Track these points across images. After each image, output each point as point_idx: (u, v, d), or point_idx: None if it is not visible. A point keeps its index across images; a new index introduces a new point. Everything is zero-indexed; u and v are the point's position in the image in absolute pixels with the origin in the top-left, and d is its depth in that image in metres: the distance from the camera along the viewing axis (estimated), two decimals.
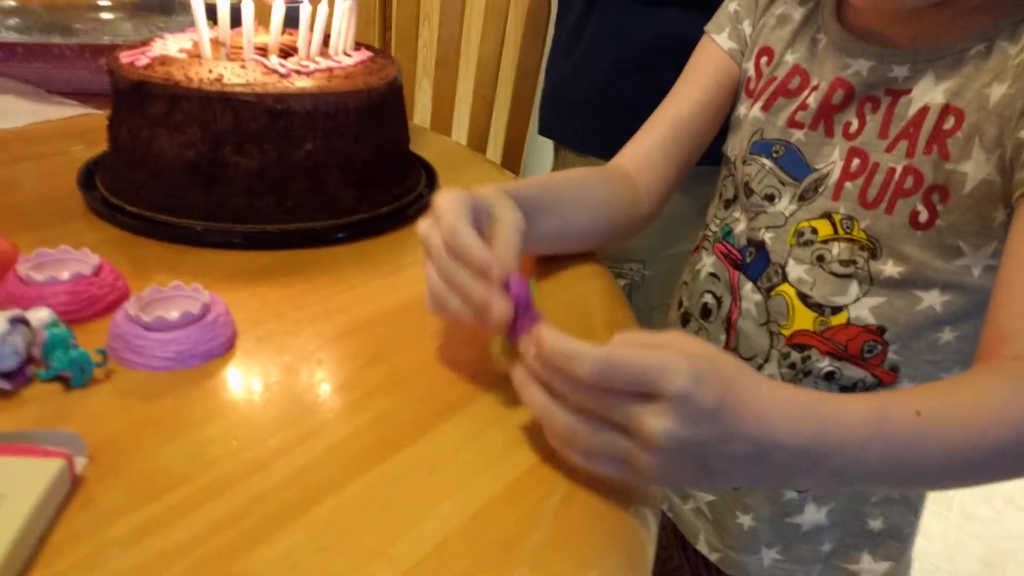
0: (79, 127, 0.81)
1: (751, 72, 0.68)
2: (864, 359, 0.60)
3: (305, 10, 0.62)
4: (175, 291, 0.48)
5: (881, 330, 0.59)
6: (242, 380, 0.45)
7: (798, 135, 0.62)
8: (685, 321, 0.75)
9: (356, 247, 0.62)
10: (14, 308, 0.45)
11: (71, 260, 0.50)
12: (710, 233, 0.72)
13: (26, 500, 0.32)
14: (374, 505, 0.37)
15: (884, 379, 0.60)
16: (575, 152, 1.03)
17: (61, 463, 0.34)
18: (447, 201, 0.46)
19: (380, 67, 0.66)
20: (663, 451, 0.36)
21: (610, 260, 0.99)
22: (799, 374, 0.63)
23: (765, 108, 0.65)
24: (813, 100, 0.61)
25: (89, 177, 0.66)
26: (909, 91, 0.56)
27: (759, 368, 0.66)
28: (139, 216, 0.60)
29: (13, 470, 0.33)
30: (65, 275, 0.48)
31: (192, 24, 0.86)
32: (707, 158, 0.74)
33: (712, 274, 0.71)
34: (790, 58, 0.65)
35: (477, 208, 0.47)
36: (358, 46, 0.70)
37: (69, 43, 0.86)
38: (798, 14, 0.66)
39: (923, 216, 0.55)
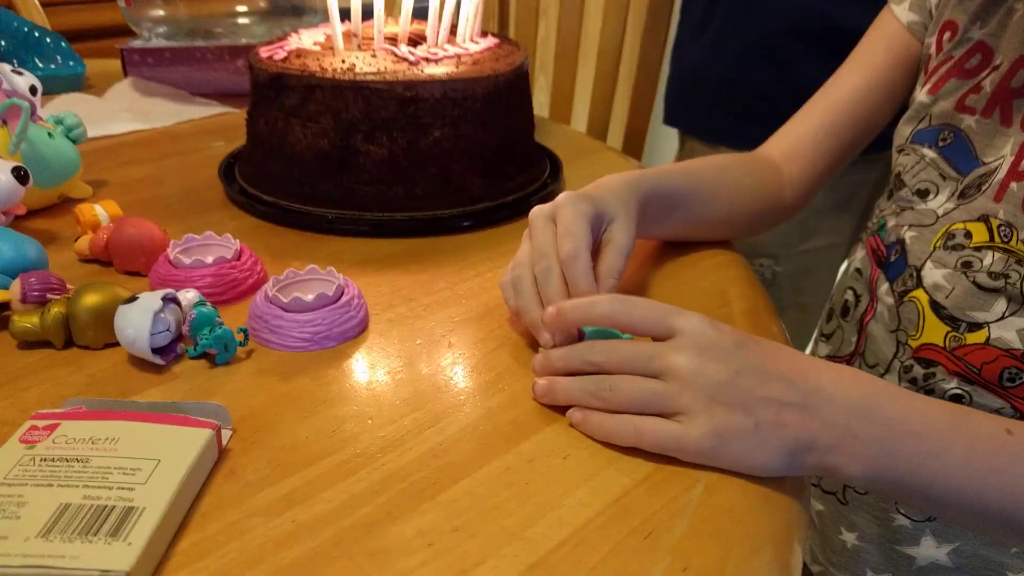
0: (219, 125, 0.85)
1: (932, 50, 0.60)
2: (1004, 387, 0.52)
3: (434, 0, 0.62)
4: (310, 274, 0.49)
5: None
6: (376, 361, 0.45)
7: (968, 121, 0.55)
8: (829, 317, 0.70)
9: (482, 235, 0.62)
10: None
11: (215, 245, 0.52)
12: (870, 224, 0.67)
13: (180, 465, 0.33)
14: (510, 488, 0.36)
15: None
16: (702, 142, 1.00)
17: (210, 432, 0.35)
18: (571, 215, 0.45)
19: (507, 53, 0.66)
20: (697, 387, 0.37)
21: (743, 255, 0.95)
22: (920, 391, 0.56)
23: (933, 91, 0.58)
24: (989, 82, 0.54)
25: (229, 170, 0.69)
26: None
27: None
28: (274, 205, 0.62)
29: (168, 437, 0.34)
30: (210, 259, 0.50)
31: (324, 21, 0.89)
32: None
33: (858, 269, 0.66)
34: (975, 33, 0.56)
35: (597, 218, 0.46)
36: (484, 33, 0.70)
37: (210, 46, 0.91)
38: None
39: None
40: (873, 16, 0.66)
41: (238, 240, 0.52)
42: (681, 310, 0.39)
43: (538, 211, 0.46)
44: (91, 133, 0.65)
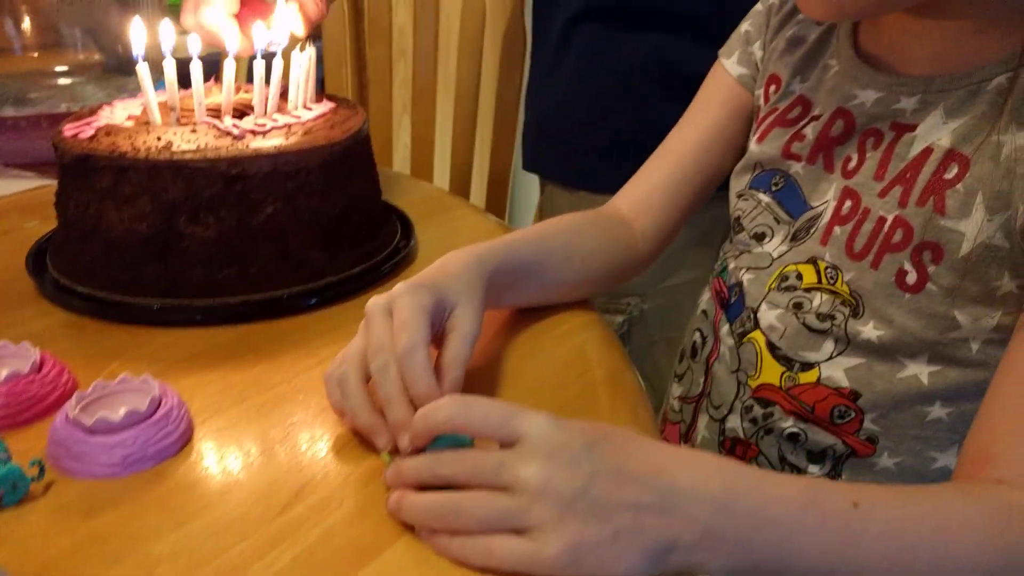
0: (34, 201, 0.77)
1: (760, 101, 0.63)
2: (835, 424, 0.54)
3: (258, 65, 0.59)
4: (122, 385, 0.44)
5: (855, 395, 0.52)
6: (198, 481, 0.41)
7: (796, 167, 0.57)
8: (681, 357, 0.71)
9: (327, 313, 0.58)
10: None
11: (7, 356, 0.46)
12: (715, 266, 0.68)
13: None
14: None
15: (860, 450, 0.53)
16: (562, 187, 1.00)
17: None
18: (407, 307, 0.43)
19: (343, 119, 0.63)
20: (547, 499, 0.34)
21: (607, 296, 0.95)
22: (760, 431, 0.58)
23: (760, 139, 0.60)
24: (811, 131, 0.56)
25: (39, 257, 0.62)
26: (914, 127, 0.50)
27: (722, 419, 0.61)
28: (91, 297, 0.56)
29: None
30: (1, 375, 0.44)
31: (158, 86, 0.83)
32: None
33: (704, 311, 0.67)
34: (796, 87, 0.59)
35: (439, 306, 0.45)
36: (320, 96, 0.67)
37: (24, 115, 0.83)
38: (812, 35, 0.59)
39: (911, 277, 0.48)
40: (711, 62, 0.68)
41: (37, 348, 0.46)
42: (525, 410, 0.37)
43: (374, 303, 0.44)
44: None
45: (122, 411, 0.41)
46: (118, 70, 0.97)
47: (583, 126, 0.93)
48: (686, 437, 0.68)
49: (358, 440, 0.44)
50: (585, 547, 0.34)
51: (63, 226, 0.60)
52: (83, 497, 0.39)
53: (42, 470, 0.39)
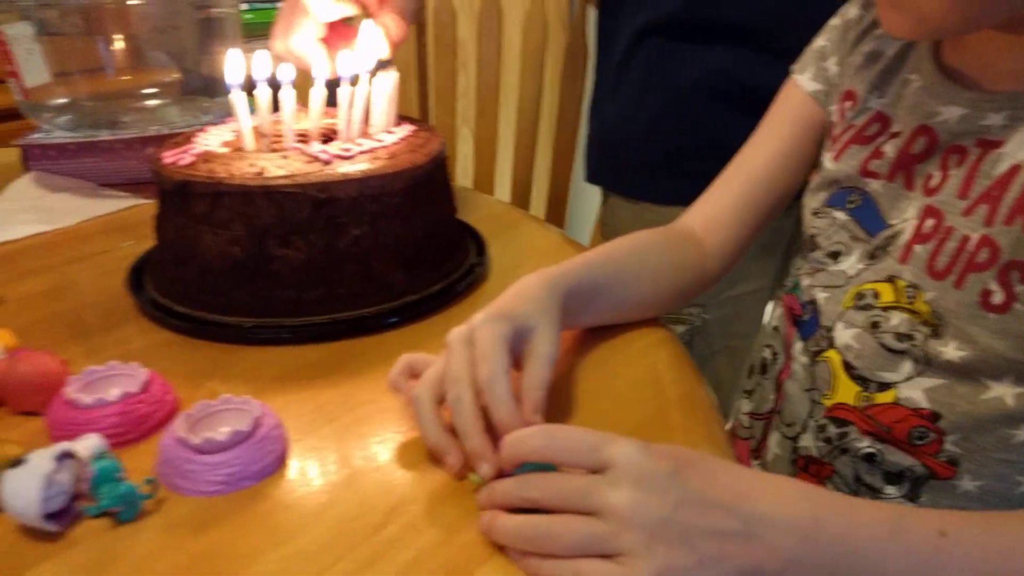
0: (129, 220, 0.81)
1: (835, 117, 0.62)
2: (913, 445, 0.53)
3: (344, 91, 0.61)
4: (224, 404, 0.46)
5: (935, 416, 0.51)
6: (297, 500, 0.42)
7: (874, 185, 0.56)
8: (750, 373, 0.71)
9: (408, 331, 0.60)
10: (61, 434, 0.44)
11: (119, 376, 0.49)
12: (786, 282, 0.68)
13: None
14: None
15: (940, 472, 0.52)
16: (624, 198, 1.00)
17: None
18: (487, 337, 0.44)
19: (423, 142, 0.64)
20: (636, 526, 0.35)
21: (670, 332, 0.95)
22: (835, 451, 0.57)
23: (837, 157, 0.60)
24: (890, 148, 0.55)
25: (138, 276, 0.66)
26: (1001, 144, 0.49)
27: (795, 437, 0.61)
28: (188, 317, 0.59)
29: None
30: (113, 394, 0.46)
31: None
32: None
33: (775, 327, 0.67)
34: (873, 103, 0.58)
35: (517, 333, 0.46)
36: (400, 120, 0.69)
37: (118, 138, 0.87)
38: (891, 50, 0.58)
39: (997, 296, 0.47)
40: (775, 75, 0.68)
41: (146, 368, 0.49)
42: (613, 437, 0.38)
43: (455, 333, 0.45)
44: None
45: (226, 431, 0.43)
46: (196, 91, 1.01)
47: (647, 138, 0.94)
48: (756, 454, 0.68)
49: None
50: (672, 574, 0.35)
51: (161, 248, 0.63)
52: (191, 514, 0.41)
53: (155, 486, 0.41)
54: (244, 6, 1.25)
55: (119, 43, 0.96)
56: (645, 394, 0.52)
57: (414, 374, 0.47)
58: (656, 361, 0.56)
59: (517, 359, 0.46)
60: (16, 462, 0.38)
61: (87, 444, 0.41)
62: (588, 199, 1.35)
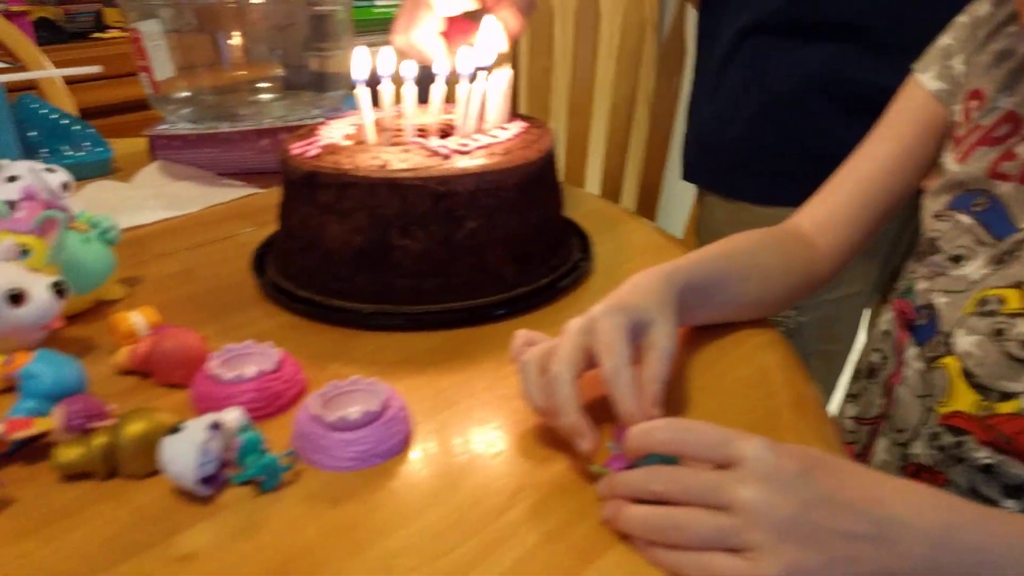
0: (247, 208, 0.85)
1: (958, 116, 0.60)
2: None
3: (463, 88, 0.62)
4: (353, 385, 0.48)
5: None
6: (422, 482, 0.44)
7: (1004, 188, 0.55)
8: (856, 377, 0.69)
9: (518, 321, 0.61)
10: (205, 406, 0.47)
11: (255, 354, 0.51)
12: (897, 286, 0.66)
13: None
14: None
15: None
16: (721, 197, 0.99)
17: None
18: (608, 329, 0.45)
19: (535, 138, 0.66)
20: (765, 522, 0.35)
21: (779, 332, 0.94)
22: (949, 460, 0.55)
23: (962, 159, 0.58)
24: (1023, 150, 0.54)
25: (260, 260, 0.69)
26: None
27: (905, 444, 0.59)
28: (310, 301, 0.62)
29: None
30: (250, 371, 0.49)
31: (344, 105, 0.90)
32: None
33: (885, 331, 0.65)
34: (1003, 102, 0.57)
35: (636, 326, 0.46)
36: (512, 116, 0.70)
37: (236, 130, 0.91)
38: (1023, 49, 0.57)
39: None
40: (881, 74, 0.66)
41: (278, 348, 0.52)
42: (741, 434, 0.38)
43: (574, 323, 0.46)
44: (121, 224, 0.65)
45: (358, 410, 0.45)
46: (301, 86, 1.05)
47: (748, 138, 0.92)
48: (862, 459, 0.66)
49: (561, 447, 0.46)
50: (801, 573, 0.35)
51: (285, 235, 0.66)
52: (327, 487, 0.43)
53: (294, 458, 0.44)
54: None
55: (236, 39, 1.00)
56: (756, 394, 0.52)
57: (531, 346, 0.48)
58: (766, 362, 0.56)
59: (634, 354, 0.47)
60: (174, 429, 0.41)
61: (232, 416, 0.44)
62: (680, 198, 1.34)
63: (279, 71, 1.06)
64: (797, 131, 0.88)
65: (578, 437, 0.43)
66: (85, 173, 0.90)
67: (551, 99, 1.36)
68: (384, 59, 0.62)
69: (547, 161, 0.65)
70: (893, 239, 0.93)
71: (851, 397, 0.70)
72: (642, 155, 1.35)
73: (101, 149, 0.96)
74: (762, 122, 0.90)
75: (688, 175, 1.04)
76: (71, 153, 0.94)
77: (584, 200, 0.88)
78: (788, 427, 0.49)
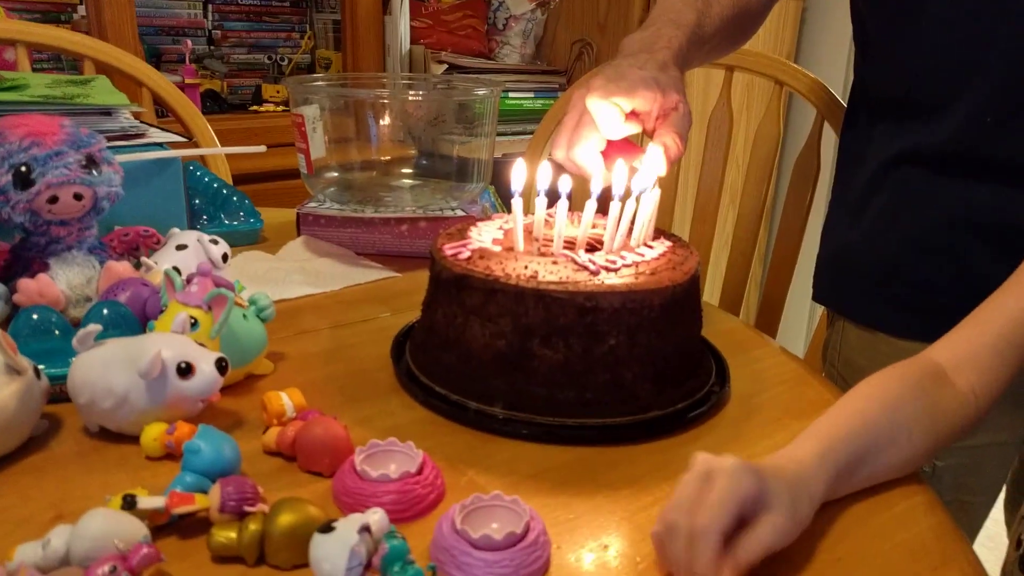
0: (384, 292, 0.89)
1: None
2: None
3: (615, 207, 0.64)
4: (495, 500, 0.48)
5: None
6: None
7: None
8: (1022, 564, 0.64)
9: (652, 447, 0.60)
10: (348, 502, 0.48)
11: (398, 453, 0.52)
12: None
13: None
14: None
15: None
16: (857, 325, 0.96)
17: None
18: (724, 490, 0.45)
19: (681, 259, 0.66)
20: None
21: (936, 494, 0.89)
22: None
23: None
24: None
25: (399, 348, 0.71)
26: None
27: None
28: (447, 399, 0.63)
29: None
30: (393, 471, 0.50)
31: (481, 199, 0.92)
32: None
33: None
34: None
35: (754, 499, 0.46)
36: (657, 234, 0.71)
37: (379, 216, 0.96)
38: None
39: None
40: None
41: (420, 450, 0.52)
42: None
43: (701, 460, 0.47)
44: (269, 295, 0.69)
45: (501, 529, 0.45)
46: (442, 174, 1.09)
47: (891, 269, 0.89)
48: None
49: None
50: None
51: (428, 330, 0.68)
52: None
53: (435, 573, 0.43)
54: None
55: (385, 127, 1.06)
56: (920, 568, 0.49)
57: None
58: (924, 530, 0.53)
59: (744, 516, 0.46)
60: (326, 527, 0.42)
61: (376, 519, 0.45)
62: (800, 314, 1.31)
63: (419, 156, 1.11)
64: (947, 266, 0.85)
65: None
66: (237, 241, 0.96)
67: (675, 204, 1.37)
68: (542, 172, 0.64)
69: (692, 283, 0.65)
70: None
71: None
72: (764, 267, 1.33)
73: (253, 220, 1.02)
74: (911, 254, 0.87)
75: (819, 296, 1.02)
76: (227, 221, 1.00)
77: (715, 317, 0.87)
78: None
